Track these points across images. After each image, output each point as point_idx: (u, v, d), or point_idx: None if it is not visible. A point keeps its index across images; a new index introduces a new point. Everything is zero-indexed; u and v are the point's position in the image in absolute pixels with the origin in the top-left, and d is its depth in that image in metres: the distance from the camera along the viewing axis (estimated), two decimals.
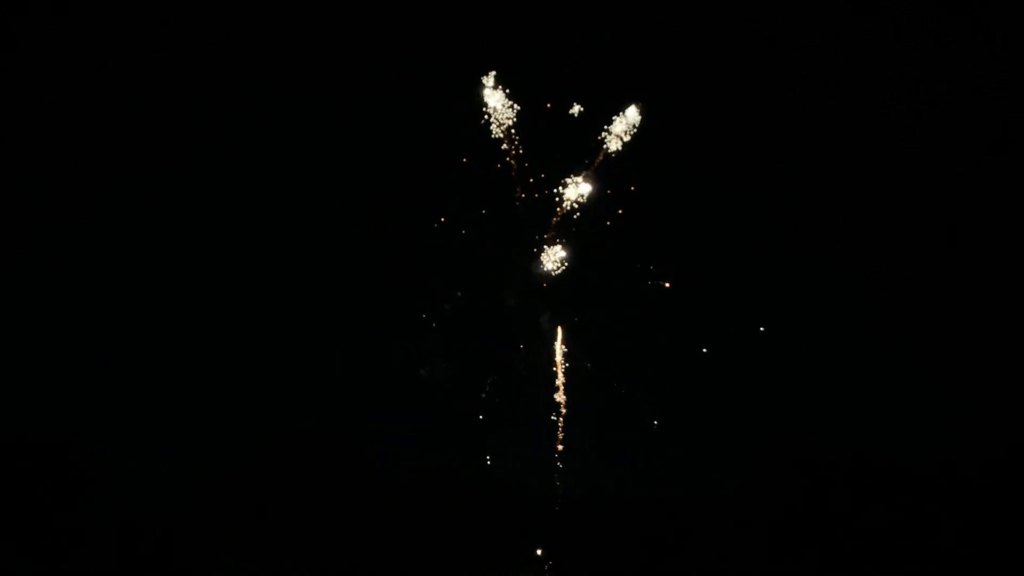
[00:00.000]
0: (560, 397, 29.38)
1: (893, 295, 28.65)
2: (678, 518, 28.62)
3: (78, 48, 28.10)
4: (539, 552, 28.75)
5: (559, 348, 29.48)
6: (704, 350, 28.95)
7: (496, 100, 28.69)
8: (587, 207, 29.91)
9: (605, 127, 28.80)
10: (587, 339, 29.59)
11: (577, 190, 29.19)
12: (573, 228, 29.89)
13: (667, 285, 29.04)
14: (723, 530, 28.56)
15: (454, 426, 28.94)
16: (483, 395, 29.14)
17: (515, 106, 28.69)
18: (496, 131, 29.07)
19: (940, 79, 27.71)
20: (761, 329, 28.78)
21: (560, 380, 29.67)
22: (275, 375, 28.80)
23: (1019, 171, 27.29)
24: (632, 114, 28.47)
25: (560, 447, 29.14)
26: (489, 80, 28.42)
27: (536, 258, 29.60)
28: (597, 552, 28.72)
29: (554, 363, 29.60)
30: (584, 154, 28.88)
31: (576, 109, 28.35)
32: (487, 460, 29.21)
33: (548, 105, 28.68)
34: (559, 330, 30.20)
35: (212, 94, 28.87)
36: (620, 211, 29.72)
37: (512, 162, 29.52)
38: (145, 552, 27.10)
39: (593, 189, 29.40)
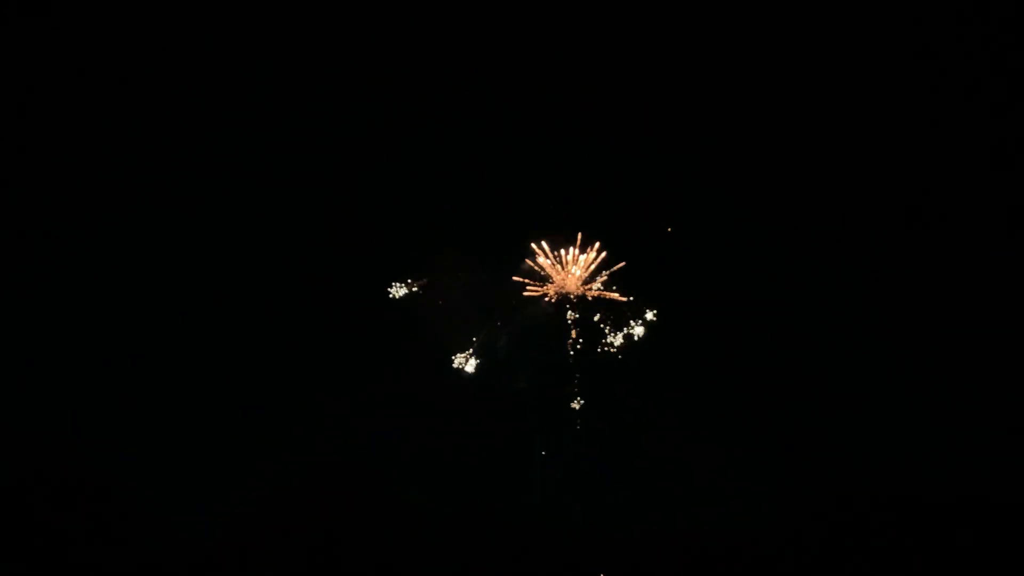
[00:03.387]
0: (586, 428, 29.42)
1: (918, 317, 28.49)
2: (710, 551, 28.21)
3: (73, 49, 27.95)
4: None
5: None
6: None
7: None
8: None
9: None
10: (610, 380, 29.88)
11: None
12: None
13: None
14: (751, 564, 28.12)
15: (484, 460, 29.07)
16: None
17: None
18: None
19: (941, 81, 27.95)
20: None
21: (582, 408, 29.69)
22: (308, 408, 28.89)
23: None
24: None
25: (590, 479, 29.07)
26: None
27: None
28: None
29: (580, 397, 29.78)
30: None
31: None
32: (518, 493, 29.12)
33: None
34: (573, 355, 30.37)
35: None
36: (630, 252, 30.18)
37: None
38: None
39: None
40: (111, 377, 28.54)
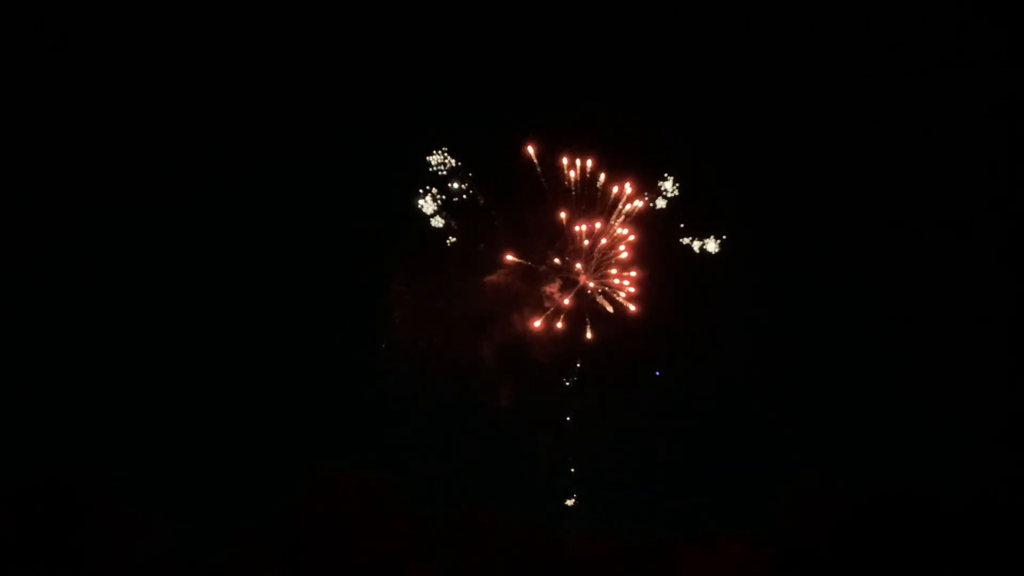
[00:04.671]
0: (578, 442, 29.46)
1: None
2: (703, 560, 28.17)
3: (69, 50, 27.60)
4: None
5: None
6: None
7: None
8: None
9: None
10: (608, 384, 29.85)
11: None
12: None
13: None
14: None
15: (489, 469, 29.09)
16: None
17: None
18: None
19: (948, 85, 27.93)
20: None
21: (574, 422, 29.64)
22: (314, 415, 28.82)
23: None
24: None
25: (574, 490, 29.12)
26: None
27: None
28: None
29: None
30: None
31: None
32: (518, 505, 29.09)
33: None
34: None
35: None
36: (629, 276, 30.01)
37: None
38: None
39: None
40: (112, 386, 28.38)
